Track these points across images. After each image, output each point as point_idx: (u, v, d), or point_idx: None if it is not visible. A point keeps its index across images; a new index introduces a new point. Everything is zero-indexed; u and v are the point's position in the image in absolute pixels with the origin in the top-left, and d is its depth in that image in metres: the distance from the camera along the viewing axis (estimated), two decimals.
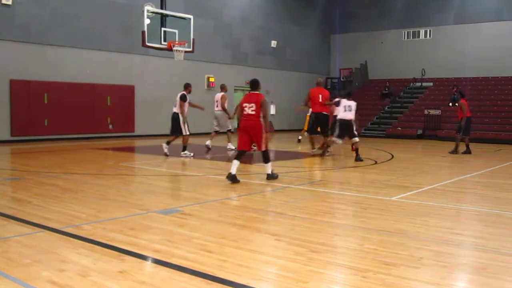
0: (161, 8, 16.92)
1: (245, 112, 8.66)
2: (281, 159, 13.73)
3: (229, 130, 15.06)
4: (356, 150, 12.27)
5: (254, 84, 8.91)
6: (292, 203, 7.00)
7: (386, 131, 23.46)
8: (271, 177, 8.91)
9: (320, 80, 14.08)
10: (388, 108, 25.78)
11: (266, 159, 8.89)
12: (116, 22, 19.34)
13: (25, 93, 16.97)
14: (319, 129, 13.47)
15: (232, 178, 8.44)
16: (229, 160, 13.11)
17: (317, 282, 3.80)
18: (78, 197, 7.21)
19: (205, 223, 5.73)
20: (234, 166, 8.50)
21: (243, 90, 25.17)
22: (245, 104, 8.69)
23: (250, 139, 8.74)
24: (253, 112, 8.58)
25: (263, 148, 8.72)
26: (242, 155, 8.80)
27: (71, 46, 18.11)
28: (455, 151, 14.18)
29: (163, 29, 16.33)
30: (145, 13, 15.66)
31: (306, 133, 14.57)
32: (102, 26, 18.91)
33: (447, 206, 7.00)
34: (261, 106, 8.58)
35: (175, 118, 13.14)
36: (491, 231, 5.49)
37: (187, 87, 13.24)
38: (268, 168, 8.92)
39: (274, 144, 17.80)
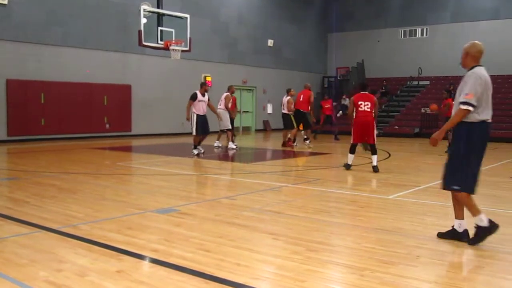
0: (158, 7, 16.89)
1: (360, 109, 9.95)
2: (278, 158, 13.75)
3: (230, 130, 15.02)
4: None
5: (365, 86, 10.46)
6: (290, 202, 7.00)
7: (383, 129, 23.48)
8: (376, 169, 10.03)
9: (306, 84, 16.69)
10: (385, 106, 25.81)
11: (374, 151, 10.21)
12: (112, 21, 19.30)
13: (21, 93, 16.92)
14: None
15: (348, 167, 10.28)
16: (223, 159, 13.14)
17: (315, 281, 3.80)
18: (75, 197, 7.19)
19: (202, 222, 5.73)
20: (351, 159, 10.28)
21: (240, 89, 25.17)
22: (360, 102, 9.96)
23: (364, 134, 10.05)
24: (369, 109, 9.95)
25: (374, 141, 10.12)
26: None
27: (68, 45, 18.07)
28: None
29: (159, 28, 16.31)
30: (142, 12, 15.63)
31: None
32: (99, 26, 18.87)
33: (444, 204, 7.00)
34: (375, 105, 10.04)
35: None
36: None
37: (201, 86, 13.13)
38: (375, 160, 10.11)
39: (271, 143, 17.81)
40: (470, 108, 4.60)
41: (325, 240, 5.03)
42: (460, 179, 4.76)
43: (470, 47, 4.82)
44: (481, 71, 4.71)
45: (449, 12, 26.59)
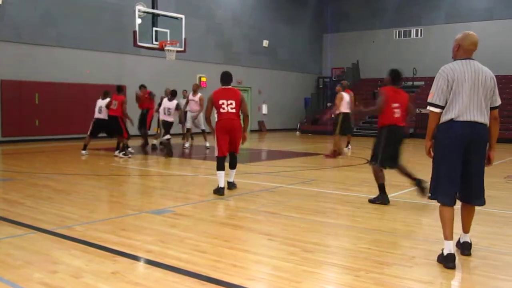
0: (153, 8, 16.89)
1: (223, 110, 7.49)
2: (274, 158, 13.76)
3: (188, 129, 15.21)
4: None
5: (228, 77, 7.71)
6: (285, 202, 7.00)
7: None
8: (233, 186, 8.02)
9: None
10: None
11: (234, 165, 8.07)
12: (107, 22, 19.25)
13: (16, 94, 16.86)
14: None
15: (220, 191, 7.64)
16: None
17: (310, 282, 3.80)
18: (70, 198, 7.17)
19: (197, 223, 5.72)
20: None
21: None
22: (221, 102, 7.48)
23: (230, 141, 7.67)
24: (234, 110, 7.52)
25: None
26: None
27: (62, 46, 18.02)
28: None
29: (154, 28, 16.30)
30: (137, 13, 15.62)
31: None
32: (93, 26, 18.81)
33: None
34: (241, 104, 7.62)
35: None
36: (482, 229, 5.51)
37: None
38: (233, 175, 8.12)
39: (266, 144, 17.80)
40: (433, 109, 4.22)
41: (321, 241, 5.03)
42: (431, 185, 4.37)
43: (463, 38, 4.30)
44: (452, 65, 4.26)
45: (443, 13, 26.69)
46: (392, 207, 6.77)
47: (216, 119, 7.55)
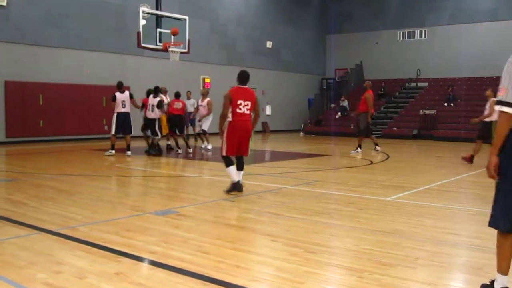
0: (157, 9, 16.89)
1: (239, 111, 7.36)
2: (277, 159, 13.76)
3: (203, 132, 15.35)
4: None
5: (246, 77, 7.57)
6: (288, 203, 7.00)
7: (382, 131, 23.49)
8: (241, 188, 7.62)
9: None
10: (383, 108, 25.82)
11: (242, 166, 7.72)
12: (110, 23, 19.31)
13: (20, 95, 16.92)
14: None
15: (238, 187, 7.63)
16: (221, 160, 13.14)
17: (313, 283, 3.80)
18: (73, 198, 7.19)
19: (201, 224, 5.73)
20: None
21: None
22: (239, 102, 7.34)
23: (241, 144, 7.51)
24: (248, 112, 7.45)
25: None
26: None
27: (66, 47, 18.08)
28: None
29: (158, 30, 16.31)
30: (141, 14, 15.63)
31: None
32: (97, 27, 18.87)
33: (443, 206, 7.02)
34: (256, 106, 7.57)
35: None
36: (486, 230, 5.44)
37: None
38: (241, 175, 7.73)
39: (270, 145, 17.77)
40: (506, 109, 3.20)
41: (324, 242, 5.03)
42: (493, 208, 3.43)
43: None
44: None
45: (447, 13, 26.63)
46: (396, 208, 6.75)
47: (229, 119, 7.36)
